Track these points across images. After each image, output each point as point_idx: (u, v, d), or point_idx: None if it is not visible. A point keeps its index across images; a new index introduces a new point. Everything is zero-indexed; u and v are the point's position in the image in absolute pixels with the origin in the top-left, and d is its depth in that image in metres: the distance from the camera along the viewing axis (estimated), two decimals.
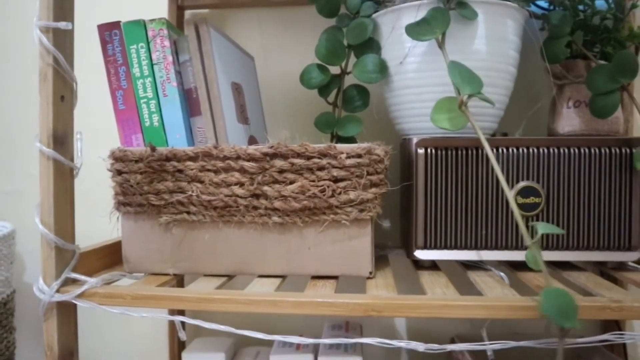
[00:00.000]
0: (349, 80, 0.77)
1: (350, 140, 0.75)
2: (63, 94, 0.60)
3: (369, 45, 0.75)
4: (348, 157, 0.61)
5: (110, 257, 0.71)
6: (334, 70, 0.77)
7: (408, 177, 0.70)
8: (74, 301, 0.59)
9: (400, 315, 0.55)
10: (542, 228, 0.54)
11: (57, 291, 0.59)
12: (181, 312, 0.92)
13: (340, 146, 0.61)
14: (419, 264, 0.72)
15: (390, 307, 0.55)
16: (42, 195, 0.59)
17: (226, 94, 0.68)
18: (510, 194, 0.56)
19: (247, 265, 0.65)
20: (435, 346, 0.55)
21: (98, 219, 0.87)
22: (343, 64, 0.76)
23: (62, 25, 0.58)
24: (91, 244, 0.70)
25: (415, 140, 0.67)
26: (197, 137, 0.67)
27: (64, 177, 0.61)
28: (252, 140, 0.76)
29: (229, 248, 0.64)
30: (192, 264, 0.65)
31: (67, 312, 0.61)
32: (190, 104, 0.68)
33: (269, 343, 0.93)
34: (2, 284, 0.87)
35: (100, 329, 1.05)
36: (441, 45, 0.65)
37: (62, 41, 0.60)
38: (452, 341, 0.86)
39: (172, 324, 0.95)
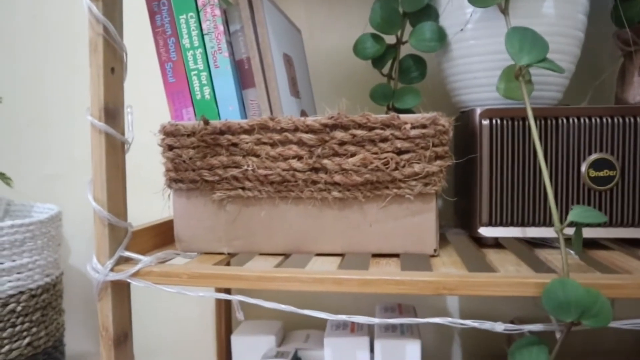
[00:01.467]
0: (404, 51, 0.74)
1: (407, 113, 0.71)
2: (113, 65, 0.58)
3: (426, 12, 0.71)
4: (413, 127, 0.57)
5: (161, 236, 0.69)
6: (389, 40, 0.73)
7: (469, 151, 0.66)
8: (128, 280, 0.57)
9: (474, 293, 0.52)
10: (576, 215, 0.50)
11: (112, 270, 0.57)
12: (227, 292, 0.90)
13: (405, 116, 0.57)
14: (482, 242, 0.68)
15: (462, 284, 0.51)
16: (94, 171, 0.57)
17: (279, 65, 0.65)
18: (545, 171, 0.52)
19: (305, 243, 0.62)
20: (511, 326, 0.51)
21: (147, 197, 0.86)
22: (398, 33, 0.72)
23: None
24: (142, 223, 0.68)
25: (479, 111, 0.63)
26: (249, 110, 0.64)
27: (115, 152, 0.58)
28: (303, 115, 0.73)
29: (285, 225, 0.61)
30: (246, 242, 0.63)
31: (121, 292, 0.59)
32: (241, 76, 0.65)
33: (318, 325, 0.91)
34: (51, 266, 0.86)
35: (140, 310, 1.04)
36: (504, 10, 0.60)
37: (112, 10, 0.57)
38: (512, 322, 0.82)
39: (219, 304, 0.93)
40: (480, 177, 0.63)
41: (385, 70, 0.75)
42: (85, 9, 0.55)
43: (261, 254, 0.63)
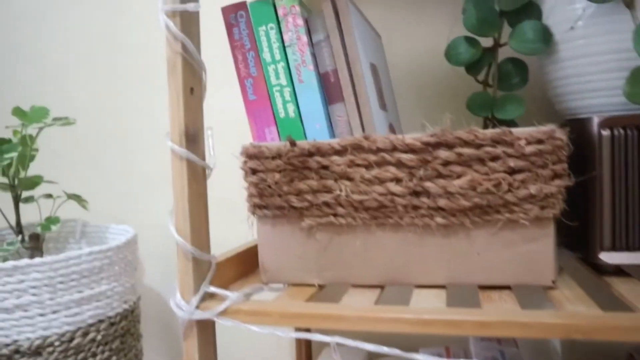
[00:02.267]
0: (502, 54, 0.66)
1: (510, 124, 0.63)
2: (192, 85, 0.54)
3: (528, 10, 0.63)
4: (528, 143, 0.50)
5: (243, 265, 0.65)
6: (484, 43, 0.66)
7: (583, 165, 0.58)
8: (215, 319, 0.52)
9: (614, 338, 0.44)
10: None
11: (197, 307, 0.53)
12: (307, 329, 0.84)
13: (517, 131, 0.50)
14: (601, 269, 0.60)
15: (599, 328, 0.44)
16: (176, 201, 0.53)
17: (367, 76, 0.59)
18: None
19: (403, 274, 0.55)
20: None
21: (224, 223, 0.82)
22: (496, 35, 0.65)
23: (191, 7, 0.51)
24: (221, 246, 0.63)
25: (597, 119, 0.55)
26: (337, 127, 0.59)
27: (197, 179, 0.54)
28: (391, 129, 0.67)
29: (382, 254, 0.55)
30: (339, 273, 0.57)
31: (206, 331, 0.55)
32: (327, 91, 0.59)
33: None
34: (129, 291, 0.84)
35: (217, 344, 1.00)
36: (630, 3, 0.52)
37: (189, 26, 0.53)
38: (630, 357, 0.73)
39: (299, 342, 0.88)
40: (601, 196, 0.55)
41: (481, 77, 0.67)
42: (162, 26, 0.51)
43: (354, 286, 0.58)
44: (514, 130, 0.50)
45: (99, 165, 1.10)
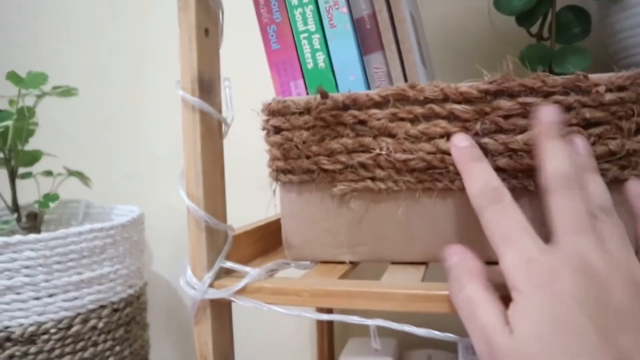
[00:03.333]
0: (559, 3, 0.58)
1: None
2: (207, 26, 0.46)
3: None
4: (608, 90, 0.42)
5: (265, 240, 0.57)
6: None
7: None
8: (232, 299, 0.44)
9: None
10: None
11: (211, 286, 0.45)
12: (329, 310, 0.76)
13: (594, 76, 0.42)
14: None
15: None
16: (187, 160, 0.45)
17: (409, 21, 0.51)
18: None
19: None
20: None
21: (243, 192, 0.74)
22: None
23: None
24: (239, 224, 0.55)
25: None
26: (374, 80, 0.51)
27: (212, 135, 0.46)
28: None
29: (429, 225, 0.47)
30: (375, 248, 0.49)
31: (222, 313, 0.47)
32: (362, 39, 0.51)
33: (440, 345, 0.76)
34: (134, 275, 0.76)
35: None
36: None
37: None
38: None
39: (320, 324, 0.80)
40: None
41: (534, 29, 0.59)
42: None
43: (393, 263, 0.50)
44: (592, 75, 0.42)
45: (103, 143, 1.03)
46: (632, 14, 0.54)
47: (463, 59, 0.76)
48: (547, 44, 0.58)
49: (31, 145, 0.81)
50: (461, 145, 0.42)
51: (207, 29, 0.46)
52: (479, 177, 0.40)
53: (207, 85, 0.45)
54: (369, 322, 0.41)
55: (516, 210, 0.37)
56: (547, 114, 0.39)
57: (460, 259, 0.39)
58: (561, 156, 0.38)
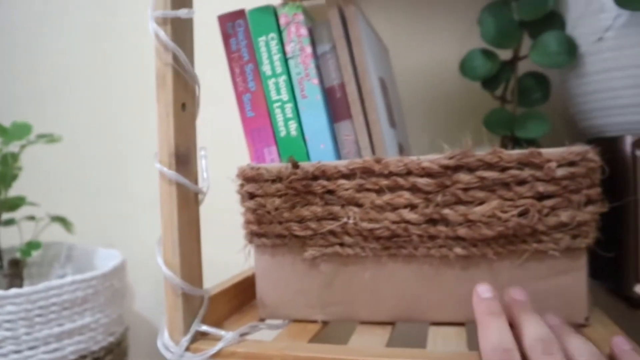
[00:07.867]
0: (521, 68, 0.61)
1: (532, 143, 0.58)
2: (184, 101, 0.48)
3: (550, 20, 0.58)
4: (559, 165, 0.45)
5: (240, 297, 0.59)
6: (502, 55, 0.61)
7: (612, 188, 0.52)
8: None
9: None
10: None
11: (187, 349, 0.47)
12: None
13: (547, 152, 0.45)
14: (634, 302, 0.54)
15: None
16: (165, 229, 0.47)
17: (377, 91, 0.54)
18: None
19: (417, 310, 0.50)
20: None
21: (212, 248, 0.76)
22: (515, 47, 0.60)
23: (183, 13, 0.46)
24: (214, 274, 0.57)
25: (630, 139, 0.50)
26: (344, 147, 0.53)
27: (188, 205, 0.48)
28: (400, 149, 0.62)
29: (394, 288, 0.50)
30: (345, 308, 0.51)
31: None
32: (332, 107, 0.54)
33: None
34: (115, 323, 0.77)
35: None
36: None
37: (182, 34, 0.48)
38: None
39: None
40: (636, 223, 0.50)
41: (499, 92, 0.62)
42: (151, 34, 0.46)
43: (362, 323, 0.52)
44: (543, 151, 0.45)
45: (86, 186, 1.05)
46: (587, 82, 0.57)
47: (438, 110, 0.79)
48: (511, 106, 0.61)
49: (14, 187, 0.82)
50: (484, 296, 0.43)
51: (184, 104, 0.48)
52: (494, 335, 0.40)
53: (184, 158, 0.48)
54: None
55: None
56: (515, 293, 0.43)
57: None
58: (537, 324, 0.39)
